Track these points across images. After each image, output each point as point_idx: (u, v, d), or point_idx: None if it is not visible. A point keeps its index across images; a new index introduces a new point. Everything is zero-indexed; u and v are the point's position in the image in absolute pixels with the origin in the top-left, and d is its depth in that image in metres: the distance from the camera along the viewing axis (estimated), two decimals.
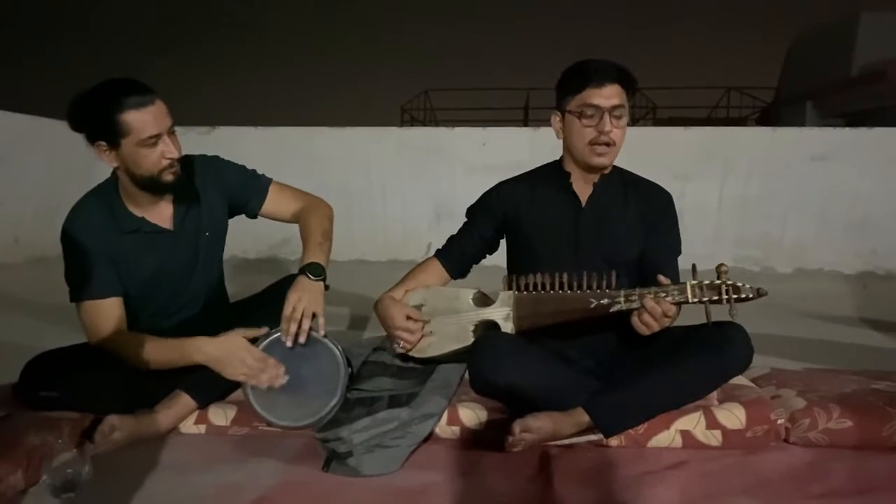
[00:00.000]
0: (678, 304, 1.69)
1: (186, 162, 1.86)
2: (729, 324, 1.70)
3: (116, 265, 1.83)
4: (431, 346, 1.90)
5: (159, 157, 1.73)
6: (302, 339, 1.75)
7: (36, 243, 4.85)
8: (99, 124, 1.70)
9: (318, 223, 1.94)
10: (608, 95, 1.80)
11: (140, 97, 1.69)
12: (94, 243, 1.79)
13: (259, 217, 2.05)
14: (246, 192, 1.99)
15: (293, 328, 1.74)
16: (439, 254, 2.06)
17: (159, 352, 1.76)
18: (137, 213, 1.85)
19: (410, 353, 1.92)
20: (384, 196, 5.63)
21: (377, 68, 17.68)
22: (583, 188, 1.93)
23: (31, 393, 1.76)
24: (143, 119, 1.68)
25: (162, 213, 1.88)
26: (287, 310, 1.74)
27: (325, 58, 18.18)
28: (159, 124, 1.71)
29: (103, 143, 1.71)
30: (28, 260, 4.82)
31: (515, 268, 1.98)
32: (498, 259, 2.08)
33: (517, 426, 1.65)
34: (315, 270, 1.82)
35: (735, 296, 1.65)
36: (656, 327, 1.67)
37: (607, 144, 1.81)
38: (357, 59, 18.05)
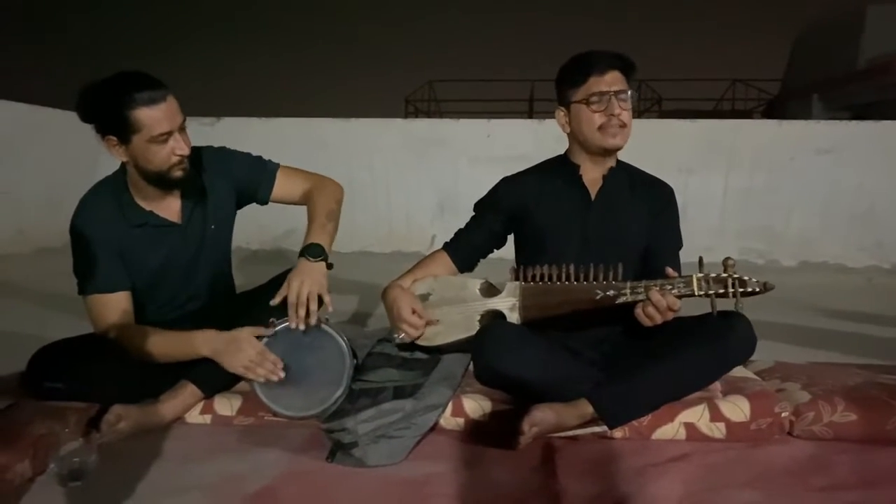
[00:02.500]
0: (683, 297, 1.68)
1: (194, 155, 1.84)
2: (732, 312, 1.69)
3: (124, 258, 1.83)
4: (438, 335, 1.90)
5: (169, 154, 1.72)
6: (313, 321, 1.74)
7: (41, 234, 4.86)
8: (109, 119, 1.68)
9: (324, 203, 1.94)
10: (611, 82, 1.82)
11: (152, 93, 1.67)
12: (102, 237, 1.79)
13: (270, 203, 2.04)
14: (255, 180, 1.99)
15: (301, 312, 1.73)
16: (447, 247, 2.05)
17: (165, 345, 1.76)
18: (146, 206, 1.85)
19: (417, 342, 1.92)
20: (388, 188, 5.63)
21: (381, 59, 17.65)
22: (592, 181, 1.93)
23: (37, 384, 1.77)
24: (154, 116, 1.67)
25: (170, 207, 1.88)
26: (291, 296, 1.73)
27: (329, 49, 18.14)
28: (171, 121, 1.70)
29: (113, 137, 1.70)
30: (33, 251, 4.84)
31: (524, 259, 1.97)
32: (505, 251, 2.08)
33: (526, 424, 1.63)
34: (314, 251, 1.80)
35: (741, 289, 1.64)
36: (659, 320, 1.67)
37: (620, 126, 1.82)
38: (361, 51, 18.02)
